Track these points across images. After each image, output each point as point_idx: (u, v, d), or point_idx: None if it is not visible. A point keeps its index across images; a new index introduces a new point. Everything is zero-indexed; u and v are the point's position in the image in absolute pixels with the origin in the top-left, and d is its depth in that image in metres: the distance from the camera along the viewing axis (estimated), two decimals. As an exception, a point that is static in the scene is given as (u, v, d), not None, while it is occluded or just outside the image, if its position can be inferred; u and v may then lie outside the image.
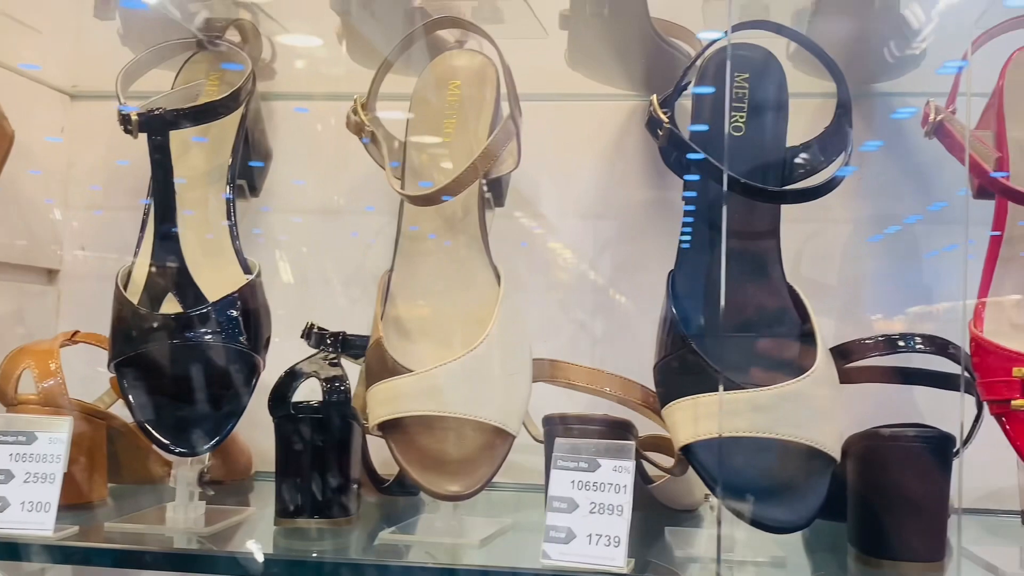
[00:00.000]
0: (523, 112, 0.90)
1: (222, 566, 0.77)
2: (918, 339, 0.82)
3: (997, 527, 0.90)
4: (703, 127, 0.84)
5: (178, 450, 0.80)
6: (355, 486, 0.84)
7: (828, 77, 0.82)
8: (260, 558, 0.74)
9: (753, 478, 0.72)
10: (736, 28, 0.81)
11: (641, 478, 0.86)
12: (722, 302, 0.77)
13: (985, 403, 0.76)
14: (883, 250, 1.03)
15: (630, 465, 0.74)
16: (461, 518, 0.81)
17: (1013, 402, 0.72)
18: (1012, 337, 0.77)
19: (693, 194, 0.83)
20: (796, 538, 0.85)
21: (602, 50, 0.96)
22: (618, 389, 0.87)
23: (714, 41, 0.84)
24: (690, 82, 0.84)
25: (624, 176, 1.07)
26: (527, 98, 0.94)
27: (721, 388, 0.72)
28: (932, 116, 0.79)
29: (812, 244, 1.02)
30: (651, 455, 0.89)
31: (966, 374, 0.77)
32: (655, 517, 0.87)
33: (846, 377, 0.84)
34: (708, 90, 0.84)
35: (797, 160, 0.82)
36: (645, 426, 0.88)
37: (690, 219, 0.82)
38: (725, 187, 0.75)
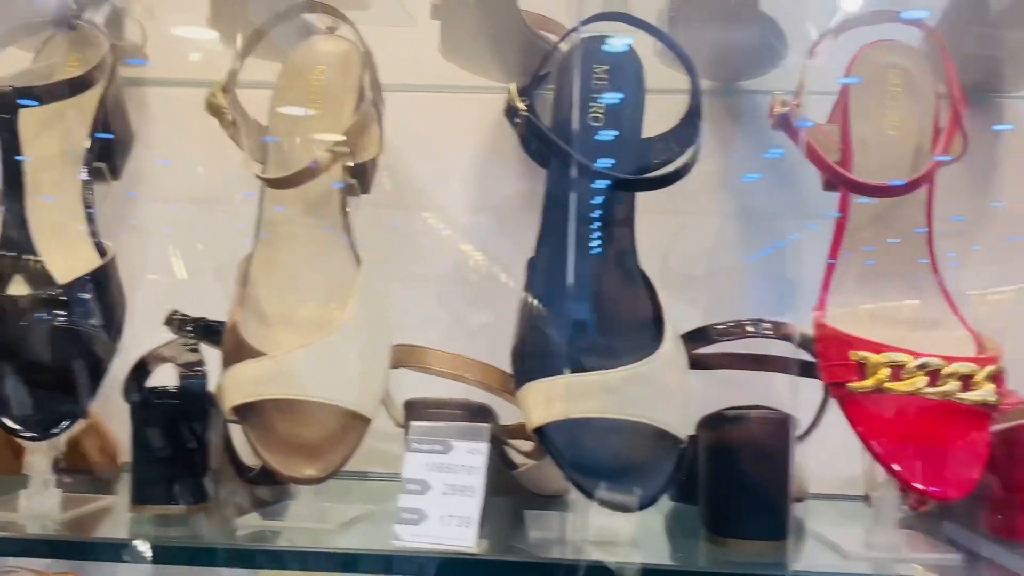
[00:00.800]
0: (402, 103, 0.90)
1: (78, 552, 0.77)
2: (765, 325, 0.85)
3: (854, 512, 0.91)
4: (562, 117, 0.85)
5: (27, 435, 0.79)
6: (212, 472, 0.83)
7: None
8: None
9: (602, 459, 0.73)
10: (588, 20, 0.83)
11: (506, 464, 0.87)
12: (572, 286, 0.79)
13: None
14: (751, 242, 1.06)
15: (483, 447, 0.75)
16: (323, 504, 0.81)
17: (849, 384, 0.76)
18: (853, 323, 0.80)
19: (553, 183, 0.84)
20: (655, 521, 0.88)
21: (474, 41, 0.96)
22: (478, 375, 0.88)
23: (572, 31, 0.85)
24: (549, 72, 0.86)
25: (502, 167, 1.07)
26: (404, 88, 0.94)
27: (569, 371, 0.74)
28: (776, 109, 0.82)
29: (682, 237, 1.05)
30: (518, 442, 0.91)
31: (809, 358, 0.81)
32: (520, 503, 0.88)
33: (701, 362, 0.87)
34: (568, 81, 0.85)
35: (652, 151, 0.83)
36: (512, 414, 0.88)
37: (548, 207, 0.84)
38: (575, 175, 0.77)
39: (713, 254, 1.07)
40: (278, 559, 0.76)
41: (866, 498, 0.82)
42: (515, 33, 0.93)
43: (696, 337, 0.86)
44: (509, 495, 0.89)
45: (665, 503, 0.90)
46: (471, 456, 0.75)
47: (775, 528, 0.75)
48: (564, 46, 0.87)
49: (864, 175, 0.82)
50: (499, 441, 0.83)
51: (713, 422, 0.79)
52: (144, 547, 0.75)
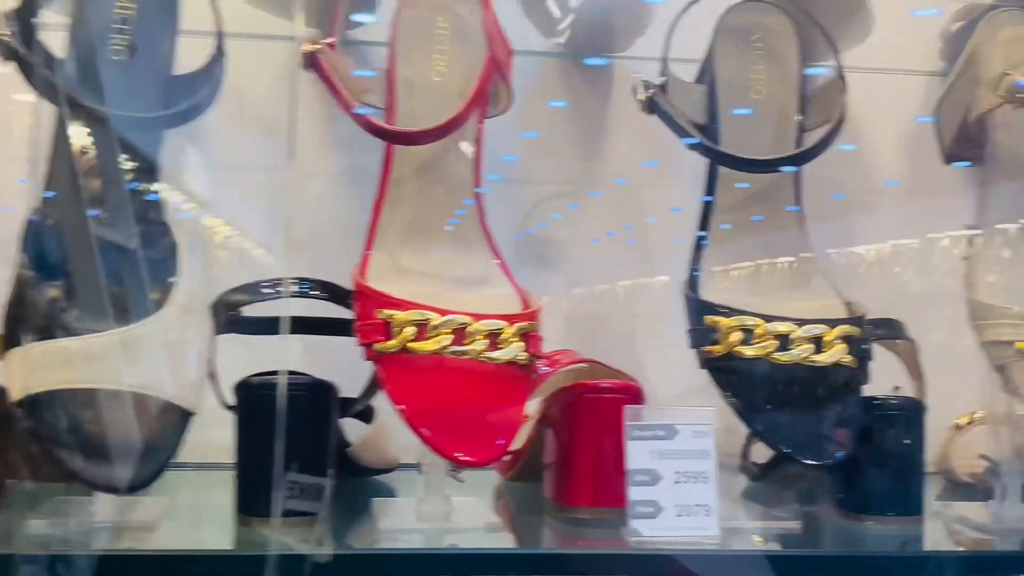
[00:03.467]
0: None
1: None
2: (311, 284, 0.78)
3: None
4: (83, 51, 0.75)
5: None
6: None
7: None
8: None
9: (88, 435, 0.64)
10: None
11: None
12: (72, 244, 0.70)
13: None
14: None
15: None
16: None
17: (375, 344, 0.71)
18: (395, 282, 0.75)
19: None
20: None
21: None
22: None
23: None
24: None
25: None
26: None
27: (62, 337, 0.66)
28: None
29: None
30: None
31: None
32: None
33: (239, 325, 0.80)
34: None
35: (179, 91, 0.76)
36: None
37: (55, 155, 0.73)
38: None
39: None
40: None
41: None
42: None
43: (237, 297, 0.78)
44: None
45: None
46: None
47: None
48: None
49: (409, 121, 0.78)
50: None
51: (242, 388, 0.73)
52: None
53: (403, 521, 0.74)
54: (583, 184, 1.05)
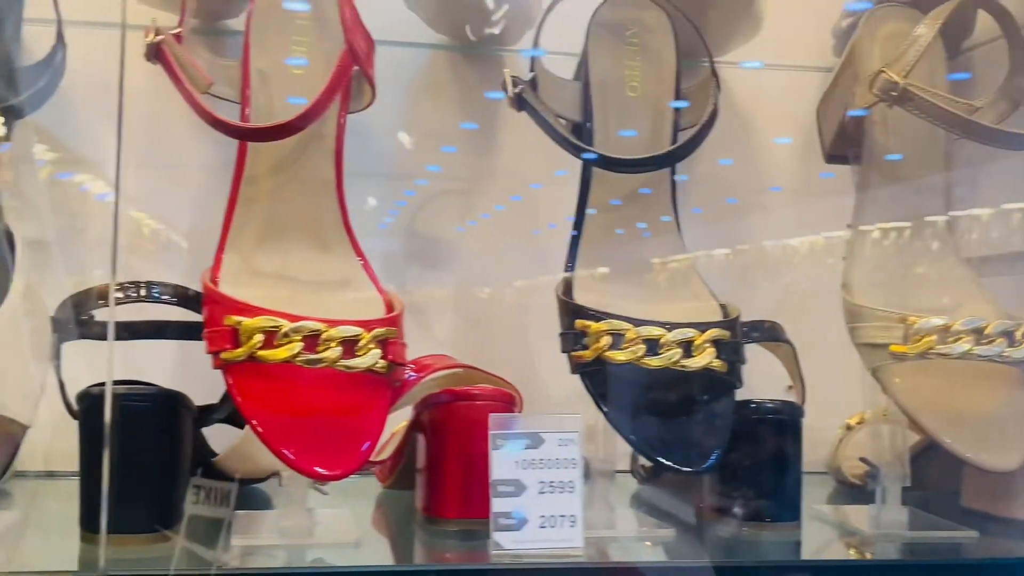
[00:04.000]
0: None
1: None
2: (160, 288, 0.75)
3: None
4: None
5: None
6: None
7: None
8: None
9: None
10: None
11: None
12: None
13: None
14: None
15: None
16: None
17: (223, 353, 0.67)
18: (249, 285, 0.71)
19: None
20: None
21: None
22: None
23: None
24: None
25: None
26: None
27: None
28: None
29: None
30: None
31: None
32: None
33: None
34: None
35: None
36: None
37: None
38: None
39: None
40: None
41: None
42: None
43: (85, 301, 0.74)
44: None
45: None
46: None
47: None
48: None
49: (264, 115, 0.74)
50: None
51: (83, 398, 0.69)
52: None
53: (263, 537, 0.71)
54: (475, 181, 1.03)
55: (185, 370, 0.78)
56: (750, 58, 1.05)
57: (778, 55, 1.05)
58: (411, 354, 0.85)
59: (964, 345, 0.74)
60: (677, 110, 0.80)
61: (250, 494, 0.86)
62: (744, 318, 0.83)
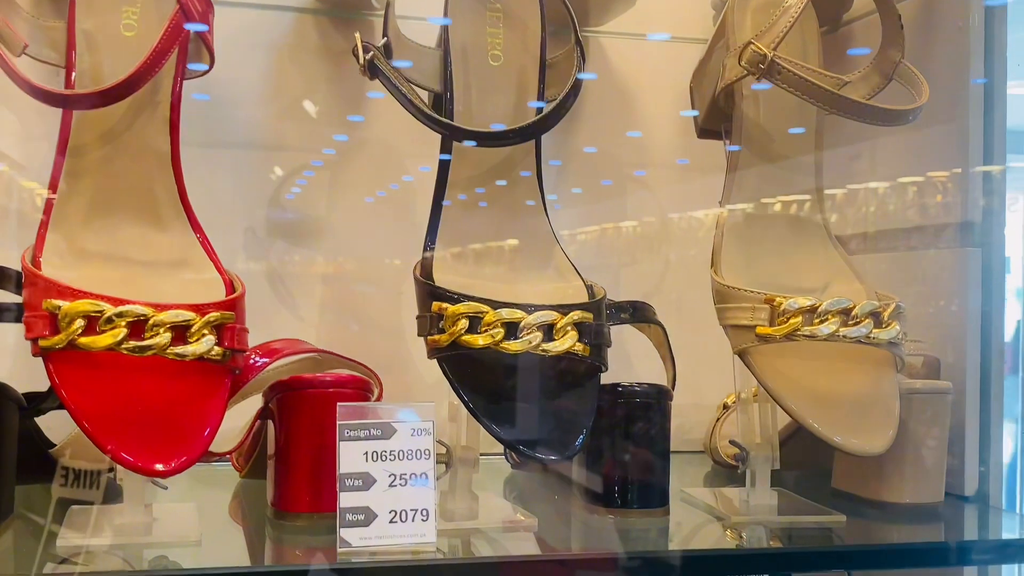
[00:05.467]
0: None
1: None
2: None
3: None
4: None
5: None
6: None
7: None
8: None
9: None
10: None
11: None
12: None
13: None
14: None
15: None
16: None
17: (40, 340, 0.61)
18: (75, 266, 0.65)
19: None
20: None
21: None
22: None
23: None
24: None
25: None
26: None
27: None
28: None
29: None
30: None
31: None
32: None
33: None
34: None
35: None
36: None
37: None
38: None
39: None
40: None
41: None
42: None
43: None
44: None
45: None
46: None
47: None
48: None
49: (89, 80, 0.68)
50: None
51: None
52: None
53: (96, 536, 0.65)
54: (344, 151, 0.98)
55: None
56: (629, 29, 1.03)
57: (657, 26, 1.03)
58: (279, 335, 0.82)
59: (830, 327, 0.72)
60: (542, 80, 0.76)
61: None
62: (626, 296, 0.81)
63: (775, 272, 0.78)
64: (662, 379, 0.83)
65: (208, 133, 0.90)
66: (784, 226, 0.81)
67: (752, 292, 0.73)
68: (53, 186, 0.67)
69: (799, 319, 0.72)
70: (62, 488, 0.75)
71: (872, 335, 0.73)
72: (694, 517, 0.80)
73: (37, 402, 0.74)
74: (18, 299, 0.65)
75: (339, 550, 0.63)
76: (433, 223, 0.75)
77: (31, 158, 0.85)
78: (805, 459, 0.86)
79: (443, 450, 0.73)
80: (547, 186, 0.80)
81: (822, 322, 0.72)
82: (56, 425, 0.78)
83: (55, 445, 0.77)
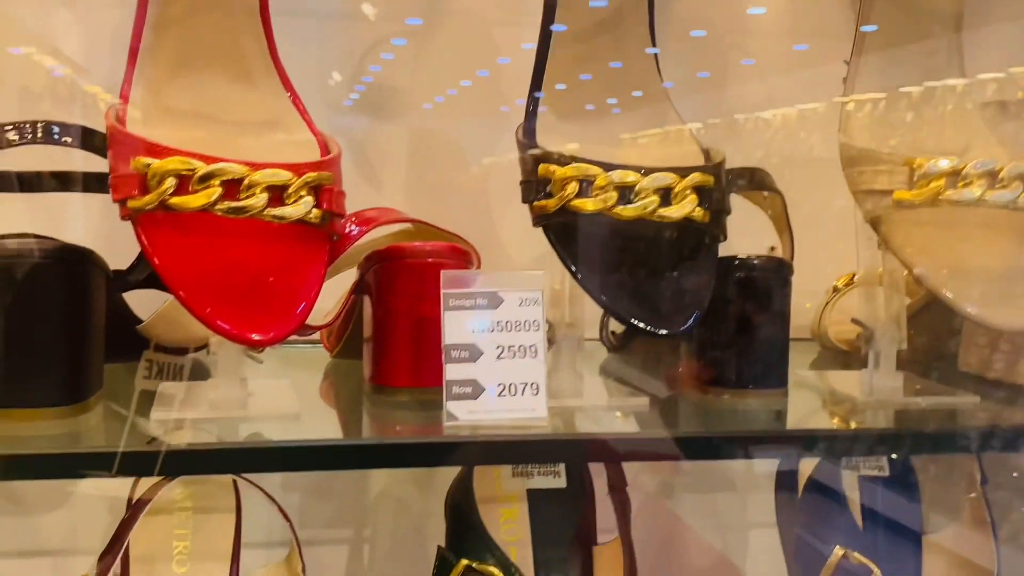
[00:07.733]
0: None
1: None
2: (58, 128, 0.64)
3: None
4: None
5: None
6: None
7: None
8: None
9: None
10: None
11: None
12: None
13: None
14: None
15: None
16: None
17: (130, 201, 0.57)
18: (161, 125, 0.61)
19: None
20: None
21: None
22: None
23: None
24: None
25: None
26: None
27: None
28: None
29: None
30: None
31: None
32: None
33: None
34: None
35: None
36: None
37: None
38: None
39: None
40: None
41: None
42: None
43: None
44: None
45: None
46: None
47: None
48: None
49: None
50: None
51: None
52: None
53: (191, 410, 0.63)
54: (429, 21, 0.92)
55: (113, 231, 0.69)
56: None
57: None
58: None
59: (976, 190, 0.66)
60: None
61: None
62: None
63: (910, 133, 0.71)
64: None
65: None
66: (920, 84, 0.74)
67: (890, 153, 0.67)
68: (136, 40, 0.62)
69: (941, 182, 0.66)
70: (146, 380, 0.73)
71: (1020, 200, 0.66)
72: (813, 399, 0.76)
73: (119, 277, 0.71)
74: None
75: (446, 424, 0.60)
76: (536, 78, 0.69)
77: (93, 62, 0.81)
78: (930, 343, 0.81)
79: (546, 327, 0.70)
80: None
81: (966, 185, 0.66)
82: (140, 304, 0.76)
83: (142, 321, 0.75)
